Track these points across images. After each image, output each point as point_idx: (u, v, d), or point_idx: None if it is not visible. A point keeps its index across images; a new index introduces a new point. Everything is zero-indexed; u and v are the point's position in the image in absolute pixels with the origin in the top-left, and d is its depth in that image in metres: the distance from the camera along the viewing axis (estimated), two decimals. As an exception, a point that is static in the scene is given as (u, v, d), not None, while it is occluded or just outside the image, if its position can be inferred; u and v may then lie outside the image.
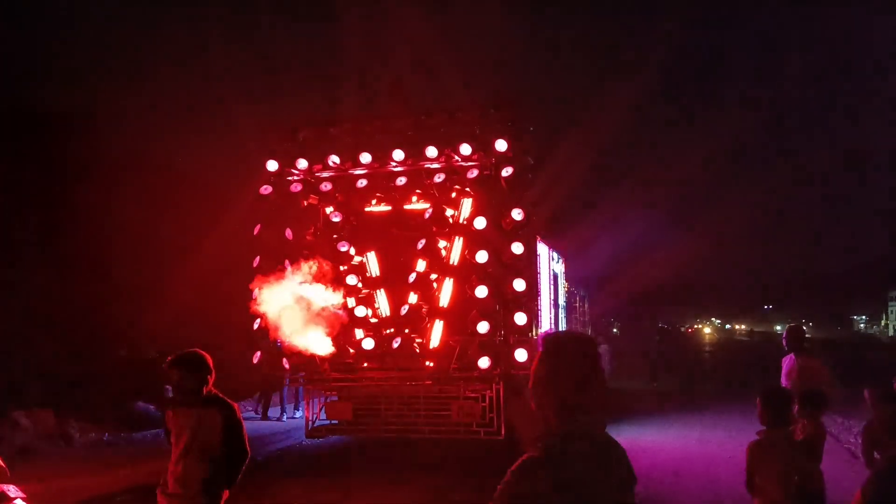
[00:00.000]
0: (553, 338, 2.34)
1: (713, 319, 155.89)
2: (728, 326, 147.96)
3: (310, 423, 10.07)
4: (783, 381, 7.34)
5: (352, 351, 9.67)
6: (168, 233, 16.15)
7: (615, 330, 45.20)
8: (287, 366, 9.73)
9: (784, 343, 7.64)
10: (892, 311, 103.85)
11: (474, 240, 9.31)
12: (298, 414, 13.73)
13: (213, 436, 4.24)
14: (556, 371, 2.19)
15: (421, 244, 9.50)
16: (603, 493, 2.05)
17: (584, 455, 2.06)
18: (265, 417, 14.59)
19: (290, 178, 9.87)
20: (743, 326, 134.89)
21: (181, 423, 4.31)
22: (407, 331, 9.55)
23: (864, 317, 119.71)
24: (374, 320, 9.83)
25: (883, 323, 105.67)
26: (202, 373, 4.35)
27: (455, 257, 9.53)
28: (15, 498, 3.01)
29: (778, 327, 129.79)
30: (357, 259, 9.92)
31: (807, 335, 7.96)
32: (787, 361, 7.46)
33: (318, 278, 9.41)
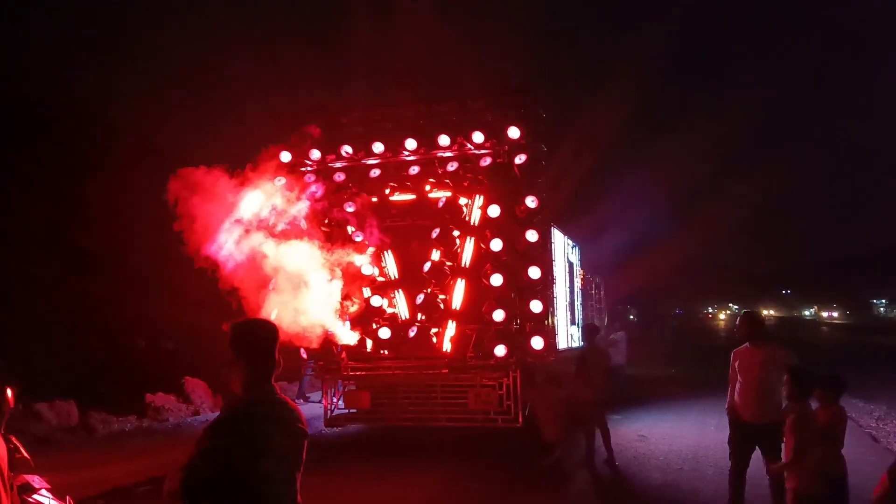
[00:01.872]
0: (239, 325, 2.83)
1: (731, 305, 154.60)
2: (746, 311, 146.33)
3: (328, 411, 10.14)
4: (738, 378, 6.35)
5: (369, 340, 9.70)
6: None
7: (631, 317, 45.03)
8: (305, 355, 9.78)
9: (738, 331, 6.54)
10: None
11: (489, 228, 9.30)
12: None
13: None
14: (243, 352, 2.73)
15: (435, 233, 9.49)
16: (278, 444, 2.62)
17: (263, 416, 2.63)
18: (304, 399, 14.81)
19: (303, 168, 9.88)
20: (772, 312, 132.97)
21: None
22: (423, 319, 9.57)
23: (883, 301, 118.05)
24: (390, 310, 9.85)
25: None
26: None
27: (469, 246, 9.52)
28: (39, 488, 3.05)
29: (806, 313, 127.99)
30: (372, 249, 9.92)
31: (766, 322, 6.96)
32: (743, 353, 6.39)
33: (332, 268, 9.43)
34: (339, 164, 9.98)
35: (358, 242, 9.73)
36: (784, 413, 5.53)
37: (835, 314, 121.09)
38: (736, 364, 6.44)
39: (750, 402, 6.20)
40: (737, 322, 6.67)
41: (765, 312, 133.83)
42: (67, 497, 3.27)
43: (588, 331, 9.75)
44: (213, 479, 2.49)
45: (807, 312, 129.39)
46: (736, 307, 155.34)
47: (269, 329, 2.86)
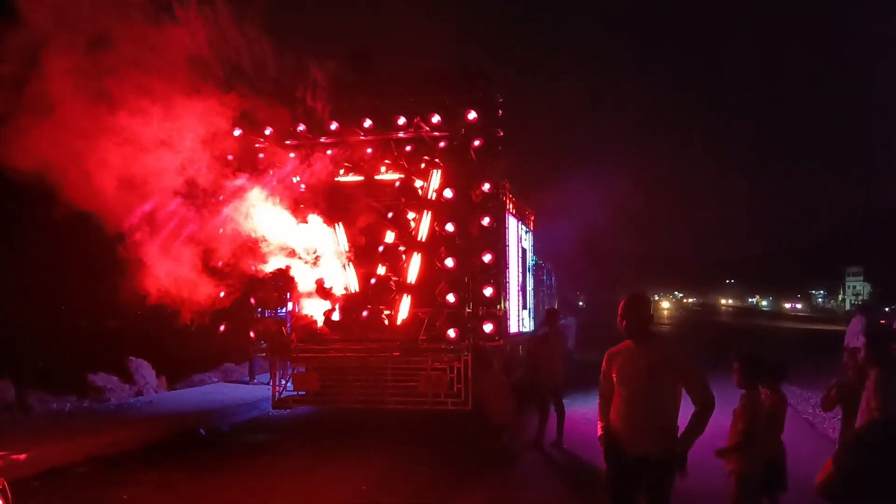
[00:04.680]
0: None
1: (675, 293, 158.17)
2: (693, 300, 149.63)
3: (276, 393, 10.01)
4: (617, 391, 4.55)
5: (320, 322, 9.59)
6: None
7: (581, 303, 45.73)
8: (253, 336, 9.63)
9: (620, 322, 4.45)
10: (848, 287, 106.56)
11: (443, 211, 9.27)
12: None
13: None
14: None
15: (390, 215, 9.42)
16: None
17: None
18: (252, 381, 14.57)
19: (255, 145, 9.65)
20: (729, 301, 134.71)
21: None
22: (375, 301, 9.50)
23: (822, 291, 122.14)
24: (342, 291, 9.75)
25: (840, 298, 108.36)
26: None
27: (424, 229, 9.48)
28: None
29: (764, 302, 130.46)
30: (325, 230, 9.80)
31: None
32: (624, 357, 4.46)
33: (284, 249, 9.29)
34: (292, 143, 9.79)
35: (310, 222, 9.61)
36: (680, 442, 4.27)
37: (798, 305, 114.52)
38: (613, 372, 4.52)
39: (635, 425, 4.41)
40: (619, 309, 4.47)
41: (722, 301, 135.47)
42: (0, 478, 3.14)
43: (550, 314, 9.97)
44: None
45: (764, 302, 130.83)
46: (680, 294, 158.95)
47: None
